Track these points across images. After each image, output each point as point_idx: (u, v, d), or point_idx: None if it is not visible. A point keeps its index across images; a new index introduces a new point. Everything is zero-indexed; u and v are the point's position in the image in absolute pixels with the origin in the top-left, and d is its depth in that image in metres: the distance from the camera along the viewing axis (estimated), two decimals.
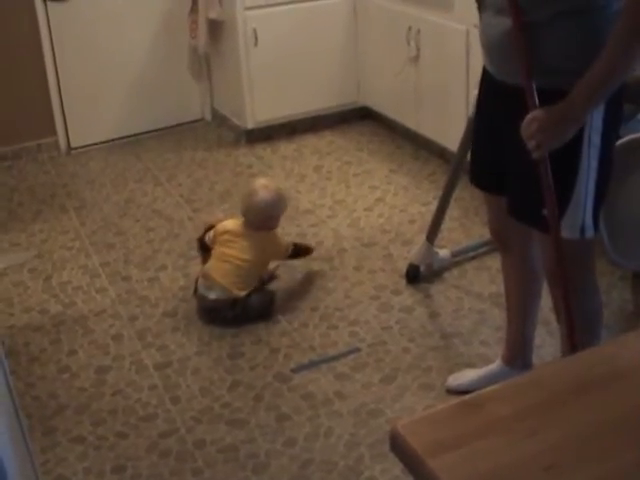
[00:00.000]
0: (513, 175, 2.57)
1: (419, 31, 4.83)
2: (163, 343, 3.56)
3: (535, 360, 3.15)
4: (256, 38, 5.25)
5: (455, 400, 1.45)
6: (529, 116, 2.31)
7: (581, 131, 2.32)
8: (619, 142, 2.85)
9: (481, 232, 4.18)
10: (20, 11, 5.26)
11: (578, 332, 2.72)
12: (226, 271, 3.64)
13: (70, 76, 5.51)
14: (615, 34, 2.16)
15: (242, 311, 3.64)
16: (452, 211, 4.16)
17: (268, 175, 5.07)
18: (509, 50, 2.35)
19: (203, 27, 5.49)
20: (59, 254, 4.33)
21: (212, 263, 3.70)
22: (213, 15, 5.43)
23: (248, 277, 3.68)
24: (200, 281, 3.71)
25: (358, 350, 3.44)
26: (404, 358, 3.37)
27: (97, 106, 5.66)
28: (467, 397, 1.45)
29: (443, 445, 1.33)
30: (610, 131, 2.41)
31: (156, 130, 5.87)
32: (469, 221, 4.35)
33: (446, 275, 3.92)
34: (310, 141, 5.58)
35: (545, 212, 2.43)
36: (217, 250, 3.72)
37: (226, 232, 3.74)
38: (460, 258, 4.02)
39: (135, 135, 5.80)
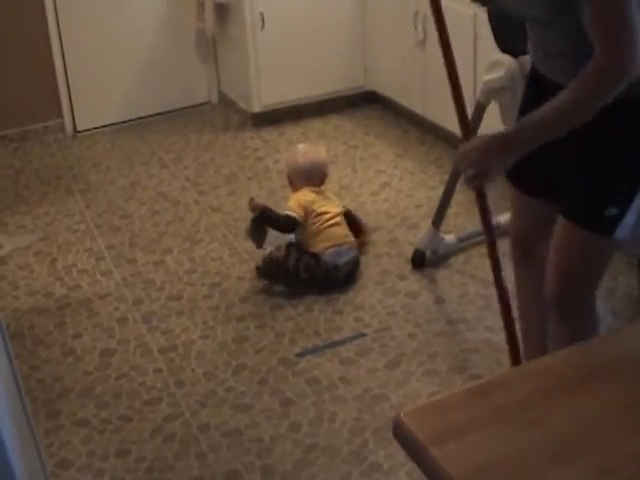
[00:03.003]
0: (571, 178, 2.45)
1: (426, 15, 4.80)
2: (168, 327, 3.56)
3: None
4: (263, 21, 5.23)
5: (459, 388, 1.45)
6: (467, 146, 2.28)
7: None
8: None
9: None
10: None
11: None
12: (343, 230, 3.86)
13: (77, 58, 5.49)
14: (576, 91, 2.11)
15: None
16: (458, 196, 4.14)
17: (274, 159, 5.07)
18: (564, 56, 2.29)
19: (210, 10, 5.48)
20: (64, 237, 4.33)
21: (329, 231, 3.80)
22: None
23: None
24: (331, 252, 3.75)
25: (363, 335, 3.43)
26: (409, 343, 3.36)
27: (103, 89, 5.64)
28: (471, 385, 1.44)
29: (447, 434, 1.33)
30: None
31: (162, 113, 5.84)
32: (475, 206, 4.32)
33: (452, 260, 3.91)
34: (316, 125, 5.56)
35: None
36: (317, 219, 3.82)
37: (313, 201, 3.86)
38: (466, 244, 4.00)
39: (141, 118, 5.78)
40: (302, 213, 3.79)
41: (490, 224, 2.34)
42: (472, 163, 2.25)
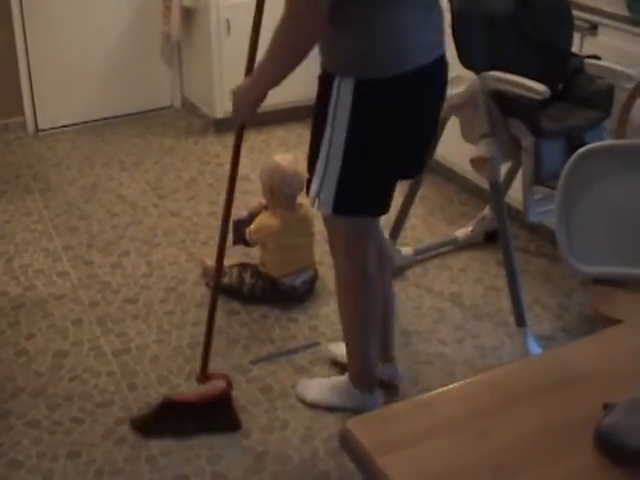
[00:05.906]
0: None
1: None
2: (123, 330, 3.55)
3: (493, 361, 3.18)
4: (229, 27, 5.23)
5: (406, 399, 1.47)
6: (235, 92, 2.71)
7: (326, 105, 2.59)
8: (580, 150, 2.84)
9: (444, 231, 4.21)
10: None
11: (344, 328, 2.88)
12: (306, 254, 3.78)
13: (40, 57, 5.47)
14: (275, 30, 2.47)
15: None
16: (416, 209, 4.18)
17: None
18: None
19: (176, 14, 5.48)
20: (21, 236, 4.30)
21: (291, 258, 3.67)
22: (187, 3, 5.42)
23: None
24: (289, 277, 3.66)
25: (317, 344, 3.45)
26: None
27: (66, 88, 5.61)
28: (419, 397, 1.46)
29: (393, 444, 1.34)
30: (364, 115, 2.53)
31: (125, 115, 5.83)
32: (433, 219, 4.37)
33: (408, 273, 3.94)
34: (278, 133, 5.57)
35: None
36: (280, 247, 3.66)
37: (278, 231, 3.62)
38: (422, 257, 4.03)
39: (104, 119, 5.76)
40: (259, 236, 3.67)
41: (237, 158, 3.03)
42: (234, 108, 2.75)
